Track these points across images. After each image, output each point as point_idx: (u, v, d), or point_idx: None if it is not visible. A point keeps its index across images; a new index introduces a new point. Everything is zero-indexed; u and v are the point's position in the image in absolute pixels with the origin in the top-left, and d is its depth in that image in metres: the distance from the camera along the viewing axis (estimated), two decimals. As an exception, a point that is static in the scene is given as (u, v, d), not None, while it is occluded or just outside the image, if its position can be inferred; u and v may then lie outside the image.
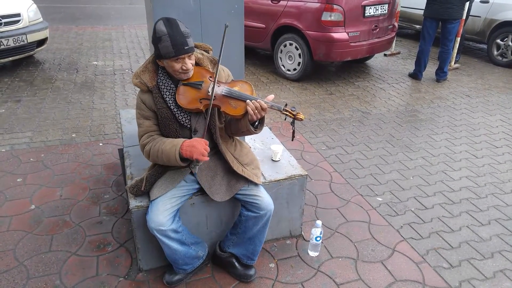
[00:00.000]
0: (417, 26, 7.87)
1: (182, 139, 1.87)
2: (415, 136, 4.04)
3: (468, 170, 3.45)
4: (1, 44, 4.95)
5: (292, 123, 1.88)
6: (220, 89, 1.87)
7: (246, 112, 1.83)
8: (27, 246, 2.40)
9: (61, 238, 2.47)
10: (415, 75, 5.87)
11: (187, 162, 1.87)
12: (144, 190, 2.06)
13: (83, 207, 2.75)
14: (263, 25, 5.63)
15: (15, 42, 5.11)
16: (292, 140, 2.09)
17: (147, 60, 1.95)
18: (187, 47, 1.77)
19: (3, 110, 4.23)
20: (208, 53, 2.04)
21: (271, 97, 1.87)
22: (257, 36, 5.76)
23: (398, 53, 7.25)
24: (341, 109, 4.68)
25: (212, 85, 1.85)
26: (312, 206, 2.89)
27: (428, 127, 4.28)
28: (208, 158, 1.83)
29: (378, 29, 5.53)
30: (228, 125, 2.02)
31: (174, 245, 1.98)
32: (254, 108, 1.80)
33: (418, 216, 2.82)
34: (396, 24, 6.11)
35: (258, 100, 1.81)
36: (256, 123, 1.91)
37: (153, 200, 1.97)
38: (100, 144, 3.62)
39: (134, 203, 2.07)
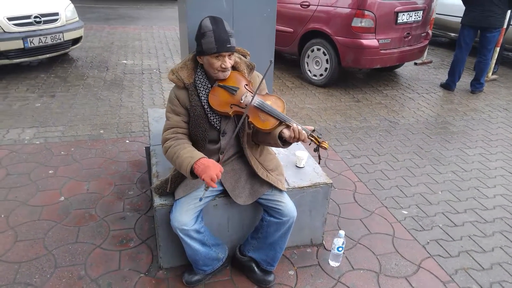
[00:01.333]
0: (452, 34, 7.66)
1: (201, 154, 1.85)
2: (445, 149, 3.93)
3: (504, 188, 3.32)
4: (40, 41, 5.12)
5: (316, 150, 1.86)
6: (253, 100, 1.86)
7: (274, 128, 1.83)
8: (55, 235, 2.47)
9: (87, 230, 2.53)
10: (448, 86, 5.70)
11: (195, 177, 1.84)
12: (170, 191, 2.08)
13: (108, 201, 2.81)
14: (291, 29, 5.61)
15: (52, 40, 5.28)
16: (319, 163, 2.06)
17: (186, 58, 1.98)
18: (229, 45, 1.79)
19: (39, 104, 4.38)
20: (246, 58, 2.04)
21: (310, 127, 1.85)
22: (284, 40, 5.74)
23: (430, 62, 7.07)
24: (367, 117, 4.61)
25: (246, 94, 1.87)
26: (334, 215, 2.84)
27: (460, 140, 4.15)
28: (216, 186, 1.78)
29: (410, 37, 5.42)
30: (255, 133, 2.02)
31: (196, 245, 1.99)
32: (293, 137, 1.80)
33: (446, 233, 2.74)
34: (430, 31, 5.97)
35: (299, 128, 1.79)
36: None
37: (178, 199, 1.99)
38: (127, 141, 3.69)
39: (158, 201, 2.10)
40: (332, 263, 2.40)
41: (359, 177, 3.34)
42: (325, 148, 1.83)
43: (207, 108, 1.92)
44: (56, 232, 2.50)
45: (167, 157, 1.95)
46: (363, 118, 4.57)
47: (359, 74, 6.26)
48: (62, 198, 2.82)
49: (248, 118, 1.87)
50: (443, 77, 6.13)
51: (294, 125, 1.81)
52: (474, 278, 2.36)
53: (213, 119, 1.95)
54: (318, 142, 1.83)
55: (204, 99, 1.92)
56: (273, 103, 1.88)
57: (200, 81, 1.92)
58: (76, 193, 2.88)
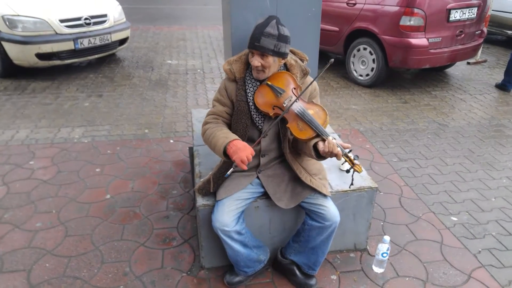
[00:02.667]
0: (509, 32, 7.23)
1: (236, 136, 1.87)
2: (500, 154, 3.70)
3: None
4: (89, 42, 5.35)
5: (348, 171, 1.79)
6: (295, 106, 1.83)
7: (310, 139, 1.79)
8: (102, 232, 2.55)
9: (132, 228, 2.59)
10: (504, 86, 5.36)
11: (227, 158, 1.85)
12: (213, 191, 2.08)
13: (152, 200, 2.87)
14: (337, 28, 5.50)
15: (101, 41, 5.49)
16: (350, 187, 1.99)
17: (243, 52, 1.98)
18: (257, 43, 1.77)
19: (87, 104, 4.57)
20: (303, 62, 2.01)
21: (347, 145, 1.78)
22: (329, 39, 5.63)
23: (484, 61, 6.68)
24: (415, 119, 4.42)
25: (291, 98, 1.84)
26: (379, 220, 2.74)
27: (516, 145, 3.89)
28: (246, 167, 1.79)
29: (463, 35, 5.14)
30: (294, 140, 1.98)
31: (237, 247, 1.98)
32: (327, 152, 1.74)
33: (500, 242, 2.57)
34: (485, 29, 5.64)
35: (338, 149, 1.72)
36: None
37: (219, 200, 1.99)
38: (171, 141, 3.76)
39: (201, 201, 2.11)
40: (376, 269, 2.31)
41: (406, 181, 3.21)
42: (359, 172, 1.75)
43: (251, 105, 1.92)
44: (103, 228, 2.59)
45: (204, 138, 1.96)
46: (410, 120, 4.39)
47: (407, 74, 6.03)
48: (108, 196, 2.91)
49: (286, 123, 1.84)
50: (499, 77, 5.77)
51: (330, 138, 1.75)
52: (532, 292, 2.20)
53: (256, 117, 1.94)
54: (353, 163, 1.75)
55: (250, 96, 1.91)
56: (315, 114, 1.83)
57: (250, 77, 1.93)
58: (121, 192, 2.96)
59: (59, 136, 3.79)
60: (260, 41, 1.76)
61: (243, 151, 1.78)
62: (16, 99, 4.61)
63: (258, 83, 1.92)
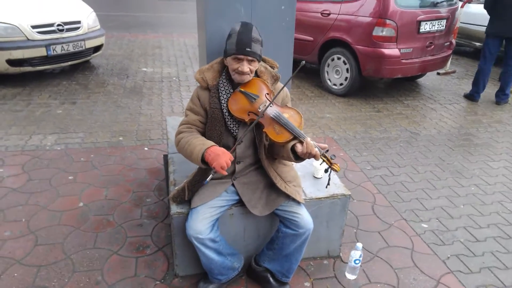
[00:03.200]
0: (477, 44, 7.51)
1: (213, 143, 1.88)
2: (468, 162, 3.83)
3: (528, 203, 3.21)
4: (62, 49, 5.25)
5: (326, 171, 1.83)
6: (270, 111, 1.86)
7: (287, 141, 1.81)
8: (74, 240, 2.50)
9: (105, 236, 2.55)
10: (472, 96, 5.57)
11: (205, 165, 1.86)
12: (188, 199, 2.07)
13: (126, 208, 2.83)
14: (311, 38, 5.60)
15: (74, 48, 5.40)
16: (326, 187, 2.01)
17: (214, 60, 2.00)
18: (249, 49, 1.80)
19: (61, 111, 4.48)
20: (273, 69, 2.04)
21: (324, 146, 1.82)
22: (304, 48, 5.73)
23: (454, 72, 6.93)
24: (388, 128, 4.54)
25: (265, 104, 1.87)
26: (352, 227, 2.79)
27: (484, 153, 4.04)
28: (226, 173, 1.82)
29: (433, 46, 5.32)
30: (271, 145, 2.01)
31: (211, 254, 1.98)
32: (306, 153, 1.77)
33: (468, 248, 2.65)
34: (453, 41, 5.86)
35: (315, 149, 1.76)
36: None
37: (194, 208, 1.98)
38: (145, 148, 3.73)
39: (175, 209, 2.10)
40: (349, 276, 2.35)
41: (379, 189, 3.28)
42: (336, 171, 1.79)
43: (225, 112, 1.93)
44: (75, 237, 2.53)
45: (178, 147, 1.96)
46: (383, 128, 4.50)
47: (380, 84, 6.19)
48: (81, 204, 2.85)
49: (263, 128, 1.86)
50: (467, 87, 5.99)
51: (308, 140, 1.78)
52: (497, 296, 2.28)
53: (231, 124, 1.95)
54: (330, 163, 1.79)
55: (224, 103, 1.93)
56: (291, 117, 1.86)
57: (223, 84, 1.94)
58: (95, 199, 2.91)
59: (30, 143, 3.69)
60: (252, 46, 1.80)
61: (222, 157, 1.79)
62: (-15, 106, 4.48)
63: (231, 90, 1.94)
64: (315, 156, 1.77)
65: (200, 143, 1.86)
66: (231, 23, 2.09)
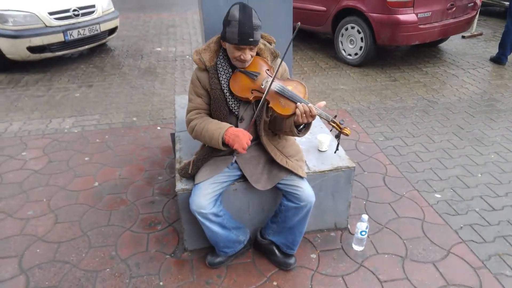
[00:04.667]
0: (506, 3, 7.08)
1: (229, 124, 1.90)
2: (490, 129, 3.69)
3: (551, 170, 3.08)
4: (79, 33, 5.35)
5: (337, 136, 1.84)
6: (273, 85, 1.84)
7: (293, 114, 1.80)
8: (90, 218, 2.62)
9: (118, 214, 2.66)
10: (498, 59, 5.30)
11: (227, 147, 1.90)
12: (191, 173, 2.12)
13: (139, 186, 2.93)
14: (324, 8, 5.44)
15: (90, 31, 5.49)
16: (335, 152, 2.02)
17: (211, 40, 1.97)
18: (252, 39, 1.76)
19: (78, 94, 4.60)
20: (271, 45, 2.02)
21: (322, 103, 1.82)
22: (317, 19, 5.58)
23: (480, 34, 6.56)
24: (404, 97, 4.41)
25: (267, 80, 1.86)
26: (362, 199, 2.78)
27: (508, 119, 3.86)
28: (246, 152, 1.87)
29: (454, 8, 5.04)
30: (273, 121, 2.01)
31: (215, 228, 2.03)
32: (303, 111, 1.76)
33: (483, 217, 2.59)
34: (478, 1, 5.53)
35: (309, 105, 1.77)
36: (301, 126, 1.89)
37: (197, 184, 2.03)
38: (158, 128, 3.80)
39: (180, 185, 2.15)
40: (356, 247, 2.36)
41: (391, 160, 3.23)
42: (347, 135, 1.80)
43: (226, 93, 1.93)
44: (91, 215, 2.65)
45: (194, 135, 1.99)
46: (399, 98, 4.39)
47: (397, 52, 5.97)
48: (96, 184, 2.97)
49: (268, 104, 1.86)
50: (494, 50, 5.68)
51: (310, 105, 1.77)
52: (509, 264, 2.23)
53: (232, 104, 1.95)
54: (340, 128, 1.80)
55: (224, 83, 1.92)
56: (294, 88, 1.85)
57: (221, 65, 1.93)
58: (109, 179, 3.02)
59: (50, 127, 3.84)
60: (254, 35, 1.76)
61: (242, 138, 1.83)
62: (10, 93, 4.65)
63: (230, 70, 1.93)
64: (313, 115, 1.76)
65: (217, 127, 1.88)
66: (227, 0, 2.07)
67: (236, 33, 1.74)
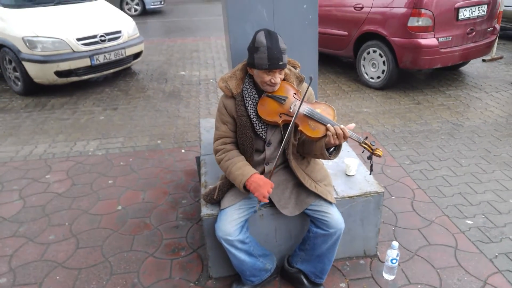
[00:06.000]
0: (525, 27, 7.05)
1: (252, 171, 1.91)
2: (518, 153, 3.59)
3: None
4: (105, 58, 5.50)
5: (369, 158, 1.83)
6: (302, 108, 1.85)
7: (323, 136, 1.80)
8: (112, 243, 2.60)
9: (141, 239, 2.63)
10: None
11: (248, 192, 1.92)
12: (217, 199, 2.10)
13: (162, 211, 2.91)
14: (346, 33, 5.48)
15: (116, 56, 5.64)
16: (370, 174, 2.03)
17: (236, 67, 2.00)
18: (281, 63, 1.80)
19: (103, 117, 4.68)
20: (296, 69, 2.04)
21: (352, 126, 1.81)
22: (339, 43, 5.63)
23: (501, 57, 6.52)
24: (428, 120, 4.34)
25: (295, 103, 1.87)
26: (390, 225, 2.70)
27: (535, 143, 3.76)
28: (268, 201, 1.88)
29: (474, 33, 5.04)
30: (301, 144, 2.00)
31: (241, 256, 1.99)
32: (335, 133, 1.76)
33: (517, 245, 2.49)
34: (497, 26, 5.52)
35: (341, 126, 1.76)
36: (332, 149, 1.87)
37: (222, 209, 2.00)
38: (182, 150, 3.81)
39: (205, 211, 2.13)
40: (387, 276, 2.27)
41: (418, 184, 3.15)
42: (379, 156, 1.79)
43: (253, 118, 1.93)
44: (113, 240, 2.64)
45: (221, 167, 2.03)
46: (423, 121, 4.32)
47: (420, 75, 5.93)
48: (120, 207, 2.97)
49: (297, 127, 1.86)
50: (517, 72, 5.62)
51: (342, 126, 1.77)
52: (551, 298, 2.11)
53: (259, 128, 1.95)
54: (372, 149, 1.78)
55: (250, 109, 1.93)
56: (323, 111, 1.86)
57: (247, 91, 1.94)
58: (132, 203, 3.02)
59: (74, 149, 3.90)
60: (283, 59, 1.80)
61: (263, 187, 1.85)
62: (36, 116, 4.77)
63: (256, 96, 1.94)
64: (345, 137, 1.76)
65: (239, 173, 1.90)
66: (254, 27, 2.10)
67: (265, 59, 1.77)
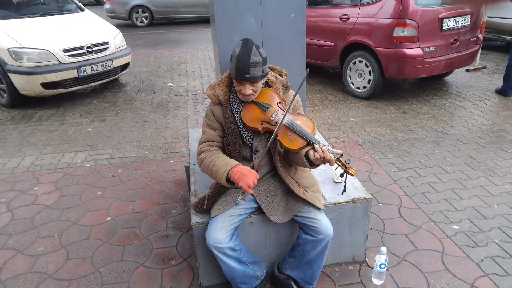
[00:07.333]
0: (508, 37, 7.25)
1: (236, 162, 1.90)
2: (502, 159, 3.67)
3: None
4: (92, 69, 5.49)
5: (342, 175, 1.83)
6: (283, 118, 1.87)
7: (301, 148, 1.82)
8: (102, 254, 2.58)
9: (131, 249, 2.62)
10: (504, 91, 5.35)
11: (231, 185, 1.89)
12: (206, 208, 2.11)
13: (152, 220, 2.90)
14: (332, 43, 5.58)
15: (103, 67, 5.63)
16: (342, 194, 2.02)
17: (224, 75, 2.03)
18: (248, 75, 1.80)
19: (91, 129, 4.66)
20: (282, 77, 2.06)
21: (338, 152, 1.81)
22: (325, 54, 5.71)
23: (484, 67, 6.69)
24: (414, 128, 4.43)
25: (277, 112, 1.89)
26: (378, 231, 2.74)
27: (518, 149, 3.86)
28: (252, 192, 1.84)
29: (458, 43, 5.17)
30: (286, 152, 2.02)
31: (232, 263, 1.99)
32: (319, 158, 1.76)
33: (503, 249, 2.53)
34: (480, 36, 5.67)
35: (323, 148, 1.76)
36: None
37: (213, 217, 2.01)
38: (171, 161, 3.81)
39: (195, 219, 2.14)
40: (375, 281, 2.30)
41: (405, 191, 3.20)
42: (352, 175, 1.77)
43: (240, 125, 1.96)
44: (103, 250, 2.62)
45: (202, 168, 2.00)
46: (409, 129, 4.40)
47: (405, 85, 6.05)
48: (109, 218, 2.95)
49: (276, 136, 1.87)
50: (499, 82, 5.76)
51: (320, 145, 1.78)
52: (536, 299, 2.16)
53: (245, 136, 1.98)
54: (346, 167, 1.77)
55: (237, 116, 1.96)
56: (303, 123, 1.87)
57: (234, 98, 1.97)
58: (122, 213, 3.00)
59: (62, 161, 3.87)
60: (250, 72, 1.79)
61: (248, 176, 1.81)
62: (23, 128, 4.73)
63: (243, 103, 1.97)
64: (329, 162, 1.76)
65: (224, 163, 1.88)
66: (242, 36, 2.13)
67: (234, 69, 1.82)
